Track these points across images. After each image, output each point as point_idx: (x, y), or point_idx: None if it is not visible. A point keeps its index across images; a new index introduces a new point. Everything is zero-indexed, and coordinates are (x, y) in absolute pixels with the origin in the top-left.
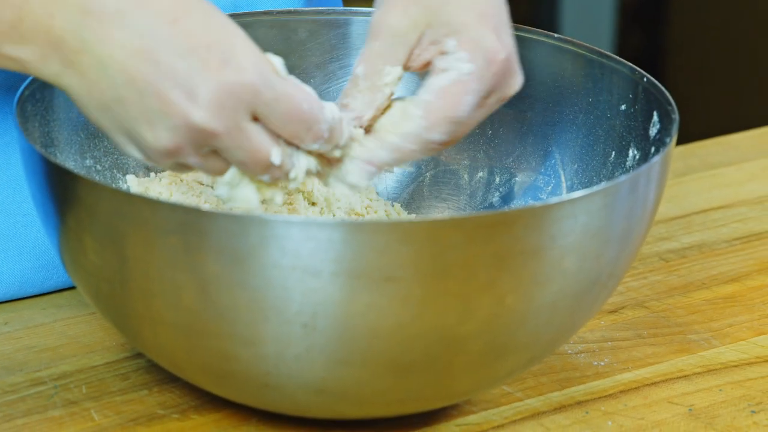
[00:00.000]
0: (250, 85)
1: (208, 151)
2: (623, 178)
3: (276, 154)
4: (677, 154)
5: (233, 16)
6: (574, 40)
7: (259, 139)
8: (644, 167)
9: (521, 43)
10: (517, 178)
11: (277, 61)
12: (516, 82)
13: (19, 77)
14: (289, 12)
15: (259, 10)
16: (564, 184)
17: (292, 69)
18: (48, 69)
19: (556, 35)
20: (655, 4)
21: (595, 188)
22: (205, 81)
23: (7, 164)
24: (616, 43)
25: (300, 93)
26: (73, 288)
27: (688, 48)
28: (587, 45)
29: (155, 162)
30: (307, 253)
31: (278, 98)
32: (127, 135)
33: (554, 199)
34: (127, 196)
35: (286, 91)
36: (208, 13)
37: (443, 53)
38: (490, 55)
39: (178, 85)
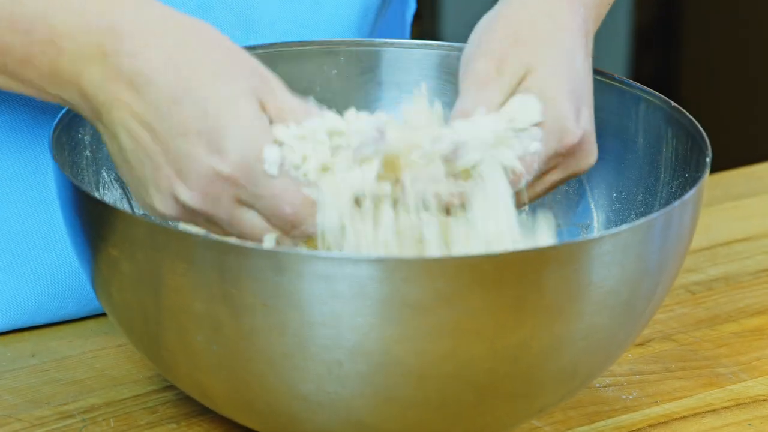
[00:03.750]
0: (232, 179)
1: (204, 221)
2: (657, 214)
3: (269, 239)
4: None
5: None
6: (604, 71)
7: (250, 224)
8: (677, 203)
9: None
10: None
11: (271, 156)
12: (587, 162)
13: (50, 111)
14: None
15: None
16: (595, 218)
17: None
18: (82, 112)
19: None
20: (670, 29)
21: (628, 225)
22: (192, 166)
23: (28, 187)
24: (631, 68)
25: (285, 194)
26: (94, 317)
27: (704, 73)
28: (618, 76)
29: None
30: (343, 289)
31: (260, 195)
32: (133, 189)
33: (588, 237)
34: (164, 230)
35: (269, 190)
36: (210, 95)
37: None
38: (564, 135)
39: (170, 162)
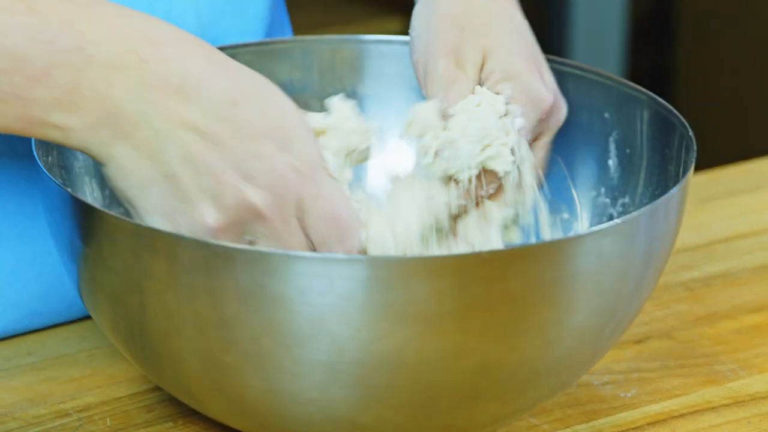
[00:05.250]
0: (302, 175)
1: (245, 241)
2: (642, 210)
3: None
4: (698, 181)
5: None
6: (589, 67)
7: (297, 240)
8: (662, 200)
9: None
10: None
11: (331, 160)
12: (561, 116)
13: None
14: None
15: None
16: (580, 215)
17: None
18: (95, 138)
19: (570, 62)
20: (666, 24)
21: (614, 222)
22: (264, 164)
23: (24, 217)
24: (627, 63)
25: (343, 199)
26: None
27: (700, 67)
28: (603, 72)
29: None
30: (331, 290)
31: (322, 194)
32: (165, 214)
33: (574, 234)
34: (149, 230)
35: (330, 190)
36: (266, 99)
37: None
38: (540, 104)
39: (235, 166)
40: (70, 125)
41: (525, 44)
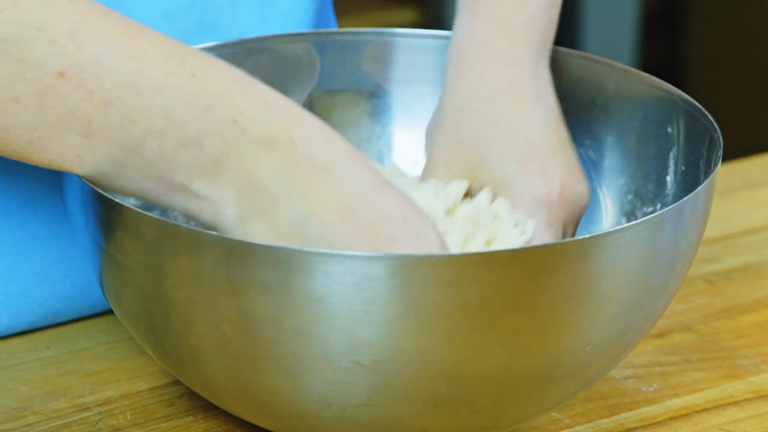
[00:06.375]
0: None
1: None
2: (668, 208)
3: None
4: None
5: (240, 42)
6: (608, 61)
7: None
8: (689, 197)
9: (561, 61)
10: None
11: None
12: (580, 200)
13: None
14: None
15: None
16: (604, 211)
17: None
18: (233, 211)
19: (595, 57)
20: (678, 14)
21: (640, 219)
22: (404, 247)
23: (22, 224)
24: (638, 54)
25: None
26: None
27: (713, 59)
28: (627, 67)
29: None
30: (353, 288)
31: None
32: None
33: (600, 231)
34: (172, 226)
35: None
36: (400, 192)
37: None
38: (545, 201)
39: (371, 245)
40: (209, 195)
41: (518, 142)
